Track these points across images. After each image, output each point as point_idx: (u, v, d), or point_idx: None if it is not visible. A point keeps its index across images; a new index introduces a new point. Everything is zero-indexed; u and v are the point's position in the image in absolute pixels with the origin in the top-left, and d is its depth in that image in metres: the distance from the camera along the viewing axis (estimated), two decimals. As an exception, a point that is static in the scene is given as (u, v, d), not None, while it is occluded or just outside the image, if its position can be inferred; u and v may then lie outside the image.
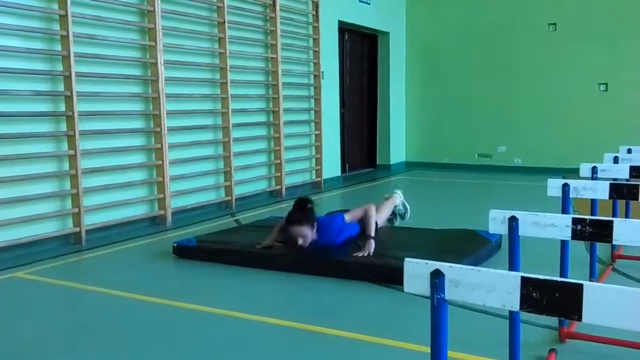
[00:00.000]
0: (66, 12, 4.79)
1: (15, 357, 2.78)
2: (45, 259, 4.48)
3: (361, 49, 10.08)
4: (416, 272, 1.42)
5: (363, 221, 4.24)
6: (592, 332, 2.66)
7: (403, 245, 4.16)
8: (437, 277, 1.38)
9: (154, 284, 3.93)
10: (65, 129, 4.91)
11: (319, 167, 8.22)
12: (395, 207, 4.88)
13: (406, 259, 1.45)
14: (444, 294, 1.38)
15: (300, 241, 3.99)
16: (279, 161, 7.42)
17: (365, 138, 10.35)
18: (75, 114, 4.88)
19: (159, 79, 5.67)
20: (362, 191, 7.98)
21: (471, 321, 3.00)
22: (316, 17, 8.04)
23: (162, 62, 5.70)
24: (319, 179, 8.20)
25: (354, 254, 3.91)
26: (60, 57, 4.86)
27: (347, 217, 4.22)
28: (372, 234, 4.08)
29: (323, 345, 2.87)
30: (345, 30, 9.25)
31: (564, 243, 2.65)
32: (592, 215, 3.23)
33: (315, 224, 4.08)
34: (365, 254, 3.90)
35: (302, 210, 4.10)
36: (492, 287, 1.34)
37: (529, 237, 2.10)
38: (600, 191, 2.90)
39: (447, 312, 1.39)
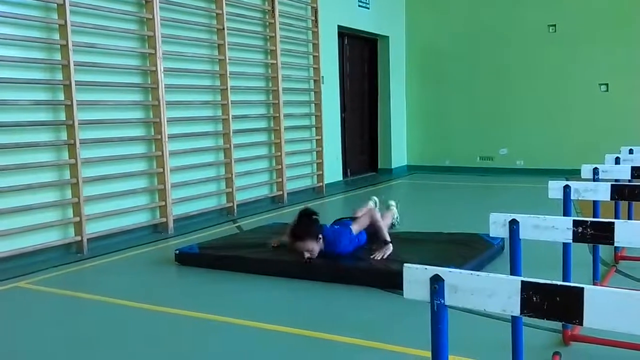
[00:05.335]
0: (65, 21, 4.80)
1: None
2: (47, 269, 4.48)
3: (361, 53, 10.08)
4: (416, 277, 1.41)
5: (372, 227, 4.23)
6: (597, 335, 2.64)
7: (405, 249, 4.15)
8: (436, 283, 1.37)
9: (157, 292, 3.92)
10: (66, 138, 4.91)
11: (321, 172, 8.20)
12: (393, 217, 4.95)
13: (405, 264, 1.44)
14: (443, 299, 1.37)
15: (307, 255, 4.01)
16: (280, 167, 7.41)
17: (366, 142, 10.33)
18: (76, 123, 4.88)
19: (159, 87, 5.67)
20: (364, 195, 7.93)
21: (474, 324, 2.98)
22: (315, 22, 8.04)
23: (162, 70, 5.70)
24: (321, 184, 8.19)
25: (372, 257, 3.97)
26: (60, 66, 4.87)
27: (355, 228, 4.19)
28: (388, 238, 4.12)
29: (326, 351, 2.86)
30: (345, 34, 9.25)
31: (566, 245, 2.63)
32: (594, 216, 3.22)
33: (321, 235, 4.06)
34: (385, 256, 3.96)
35: (307, 224, 4.08)
36: (492, 291, 1.33)
37: (532, 239, 2.08)
38: (602, 192, 2.88)
39: (447, 318, 1.37)
